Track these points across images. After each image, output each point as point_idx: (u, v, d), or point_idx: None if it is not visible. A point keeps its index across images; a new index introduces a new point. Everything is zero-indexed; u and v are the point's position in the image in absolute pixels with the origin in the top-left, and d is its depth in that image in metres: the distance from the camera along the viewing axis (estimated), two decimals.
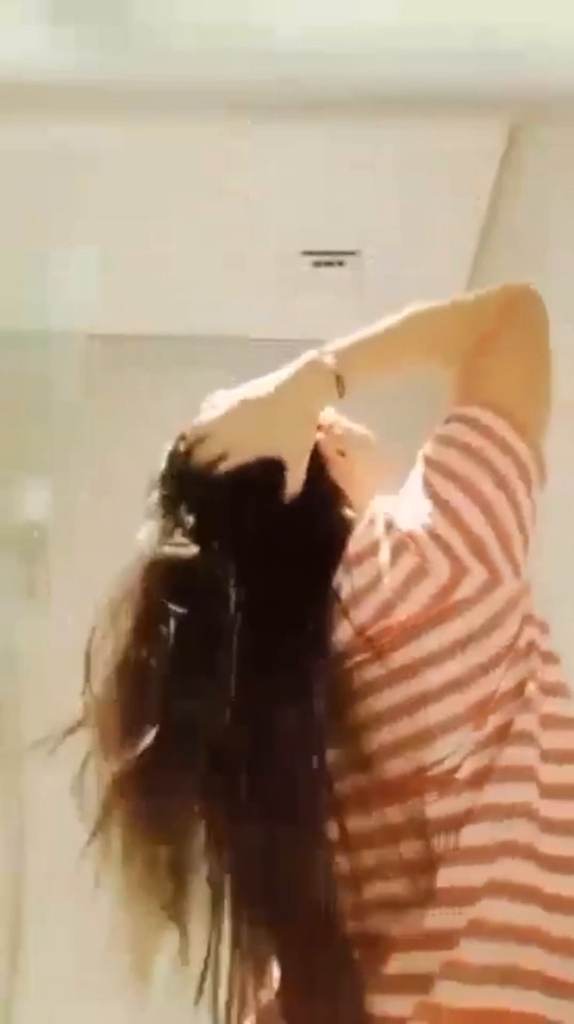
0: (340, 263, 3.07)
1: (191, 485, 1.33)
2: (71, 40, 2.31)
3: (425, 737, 1.22)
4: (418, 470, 1.32)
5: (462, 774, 1.21)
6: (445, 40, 2.32)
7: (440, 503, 1.27)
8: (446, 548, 1.26)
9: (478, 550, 1.26)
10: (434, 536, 1.26)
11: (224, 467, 1.30)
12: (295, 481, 1.30)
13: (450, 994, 1.17)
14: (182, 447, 1.36)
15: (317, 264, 3.07)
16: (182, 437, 1.36)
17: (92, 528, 3.17)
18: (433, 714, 1.23)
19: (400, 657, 1.24)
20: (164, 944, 1.27)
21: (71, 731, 1.29)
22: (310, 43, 2.34)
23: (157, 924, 1.26)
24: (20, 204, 2.78)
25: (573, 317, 2.11)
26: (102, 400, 3.18)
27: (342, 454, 1.37)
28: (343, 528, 1.30)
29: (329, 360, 1.33)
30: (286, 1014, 1.23)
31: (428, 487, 1.29)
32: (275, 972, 1.26)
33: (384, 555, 1.26)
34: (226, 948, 1.24)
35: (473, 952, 1.18)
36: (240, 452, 1.30)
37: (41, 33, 2.29)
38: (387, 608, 1.25)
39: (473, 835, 1.20)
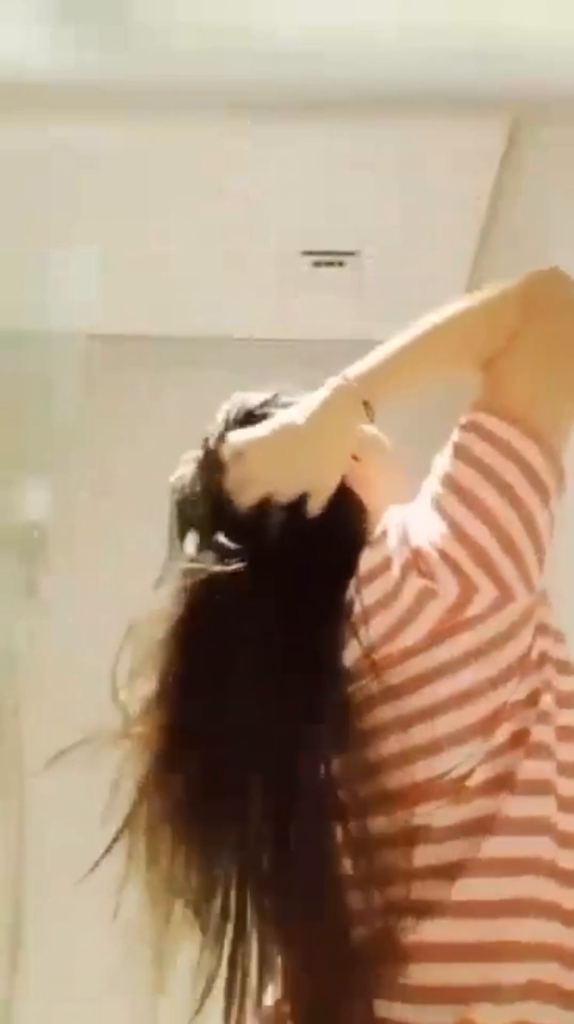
0: (340, 263, 3.07)
1: (215, 504, 1.30)
2: (71, 40, 2.31)
3: (433, 748, 1.22)
4: (431, 479, 1.29)
5: (473, 782, 1.21)
6: (445, 40, 2.32)
7: (446, 518, 1.25)
8: (454, 566, 1.23)
9: (487, 566, 1.23)
10: (442, 554, 1.23)
11: (254, 500, 1.28)
12: (316, 507, 1.27)
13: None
14: (209, 472, 1.31)
15: (317, 264, 3.07)
16: (208, 457, 1.32)
17: (92, 528, 3.17)
18: (441, 726, 1.22)
19: (409, 669, 1.23)
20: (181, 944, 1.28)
21: (106, 739, 1.29)
22: (310, 43, 2.34)
23: (178, 923, 1.26)
24: (20, 204, 2.78)
25: None
26: (102, 400, 3.18)
27: (356, 459, 1.32)
28: (359, 542, 1.28)
29: (355, 387, 1.28)
30: (295, 1016, 1.23)
31: (435, 500, 1.27)
32: (278, 977, 1.27)
33: (395, 573, 1.24)
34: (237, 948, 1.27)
35: (500, 970, 1.18)
36: (274, 489, 1.27)
37: (42, 33, 2.29)
38: (396, 630, 1.24)
39: (495, 848, 1.20)
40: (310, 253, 3.05)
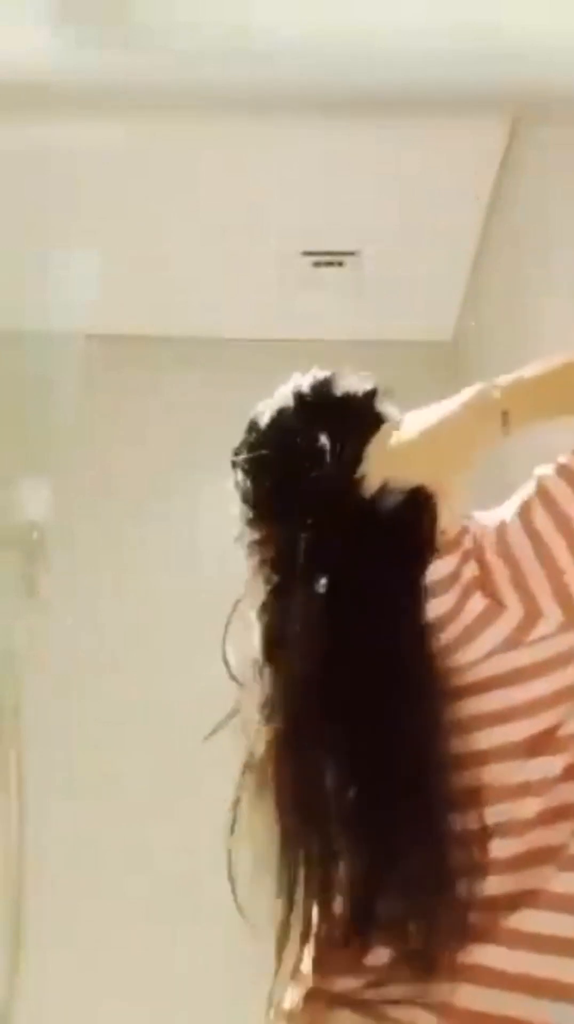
0: (340, 263, 3.07)
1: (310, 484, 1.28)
2: (72, 40, 2.31)
3: (479, 759, 1.22)
4: (527, 490, 1.28)
5: (529, 814, 1.20)
6: (445, 40, 2.32)
7: (533, 535, 1.24)
8: (524, 588, 1.23)
9: (560, 593, 1.22)
10: (516, 571, 1.23)
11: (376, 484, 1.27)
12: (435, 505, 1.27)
13: (470, 997, 1.17)
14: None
15: (317, 264, 3.07)
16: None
17: (92, 528, 3.17)
18: (483, 739, 1.22)
19: (465, 677, 1.23)
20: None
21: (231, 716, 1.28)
22: (310, 43, 2.34)
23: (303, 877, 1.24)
24: (20, 204, 2.78)
25: None
26: (102, 400, 3.18)
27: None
28: (425, 553, 1.27)
29: (497, 395, 1.28)
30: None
31: (525, 514, 1.26)
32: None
33: (456, 592, 1.24)
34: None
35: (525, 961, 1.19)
36: (400, 483, 1.27)
37: (42, 33, 2.29)
38: (454, 647, 1.23)
39: (560, 883, 1.20)
40: (310, 253, 3.05)
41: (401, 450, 1.28)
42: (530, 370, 1.30)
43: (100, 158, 2.69)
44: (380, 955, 1.22)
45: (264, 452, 1.32)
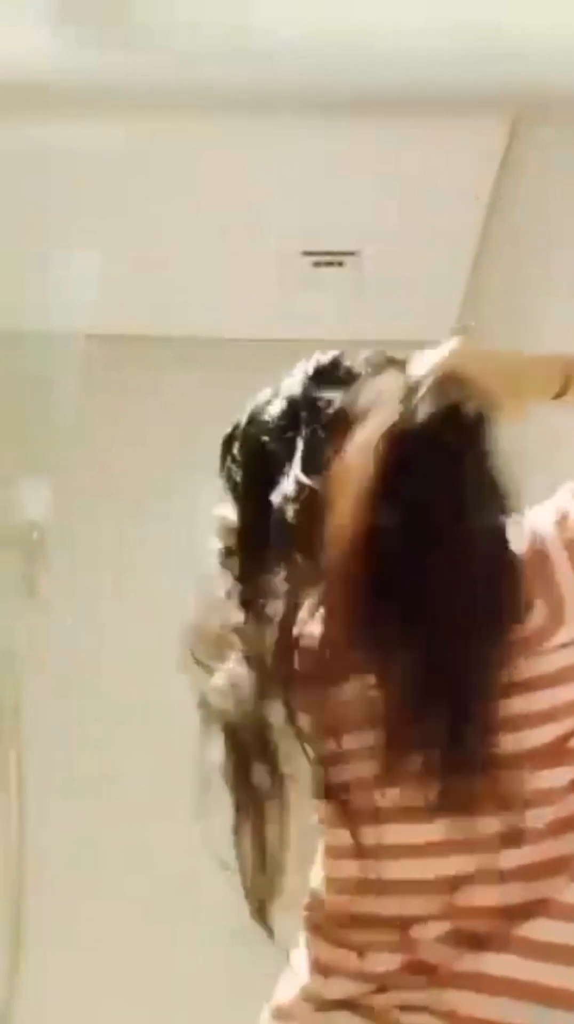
0: (340, 263, 3.07)
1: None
2: (72, 40, 2.31)
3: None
4: (563, 498, 1.27)
5: (540, 824, 1.19)
6: (445, 40, 2.32)
7: (569, 545, 1.23)
8: (553, 593, 1.22)
9: None
10: (547, 576, 1.22)
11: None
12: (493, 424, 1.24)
13: (478, 1005, 1.17)
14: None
15: (317, 264, 3.07)
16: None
17: (92, 528, 3.17)
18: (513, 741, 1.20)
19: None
20: None
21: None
22: (310, 43, 2.34)
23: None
24: (20, 204, 2.78)
25: None
26: (102, 400, 3.18)
27: None
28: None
29: (568, 359, 1.34)
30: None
31: (562, 523, 1.24)
32: None
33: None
34: None
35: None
36: (475, 389, 1.24)
37: (42, 33, 2.29)
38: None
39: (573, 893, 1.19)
40: (310, 253, 3.05)
41: (492, 360, 1.32)
42: None
43: (100, 158, 2.69)
44: (386, 961, 1.21)
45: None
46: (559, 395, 1.34)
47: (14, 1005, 2.89)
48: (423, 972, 1.19)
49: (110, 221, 2.89)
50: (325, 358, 1.33)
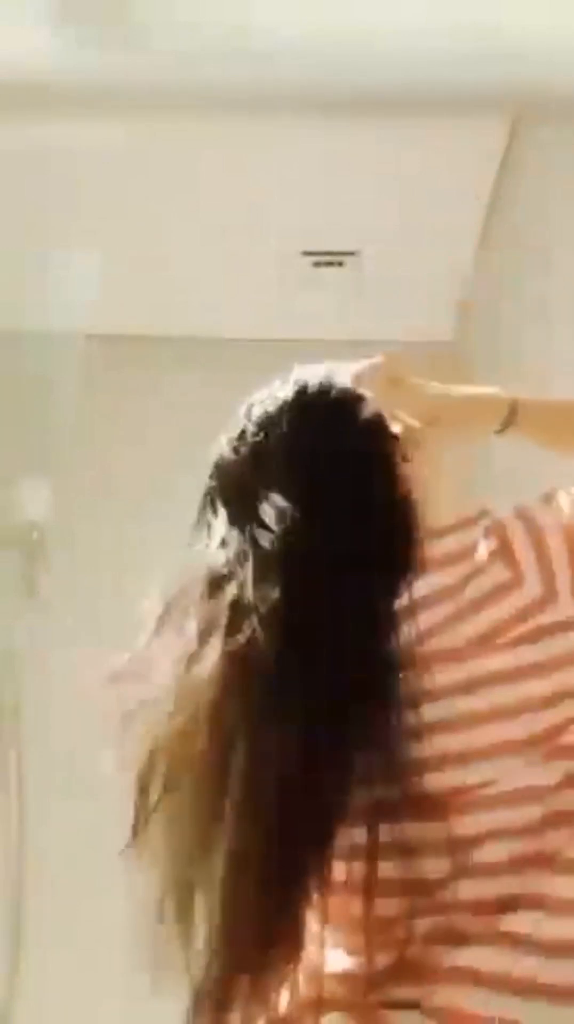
0: (340, 263, 3.07)
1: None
2: (72, 40, 2.31)
3: (467, 757, 1.20)
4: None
5: (526, 821, 1.19)
6: (445, 40, 2.32)
7: (567, 529, 1.24)
8: (547, 569, 1.23)
9: None
10: (542, 551, 1.23)
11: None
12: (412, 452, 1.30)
13: (464, 1000, 1.17)
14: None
15: (317, 264, 3.07)
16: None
17: (92, 528, 3.17)
18: (479, 736, 1.20)
19: (463, 670, 1.21)
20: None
21: None
22: (310, 43, 2.34)
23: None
24: (20, 204, 2.78)
25: None
26: (101, 400, 3.18)
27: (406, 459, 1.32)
28: (409, 537, 1.26)
29: (513, 396, 1.34)
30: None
31: (559, 511, 1.26)
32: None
33: (477, 560, 1.23)
34: None
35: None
36: (403, 406, 1.31)
37: (42, 33, 2.29)
38: (456, 617, 1.22)
39: (561, 887, 1.19)
40: (310, 253, 3.05)
41: (414, 387, 1.32)
42: (561, 398, 1.40)
43: (100, 158, 2.69)
44: (376, 960, 1.21)
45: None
46: (502, 430, 1.33)
47: (14, 1005, 2.89)
48: (412, 969, 1.19)
49: (110, 221, 2.89)
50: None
